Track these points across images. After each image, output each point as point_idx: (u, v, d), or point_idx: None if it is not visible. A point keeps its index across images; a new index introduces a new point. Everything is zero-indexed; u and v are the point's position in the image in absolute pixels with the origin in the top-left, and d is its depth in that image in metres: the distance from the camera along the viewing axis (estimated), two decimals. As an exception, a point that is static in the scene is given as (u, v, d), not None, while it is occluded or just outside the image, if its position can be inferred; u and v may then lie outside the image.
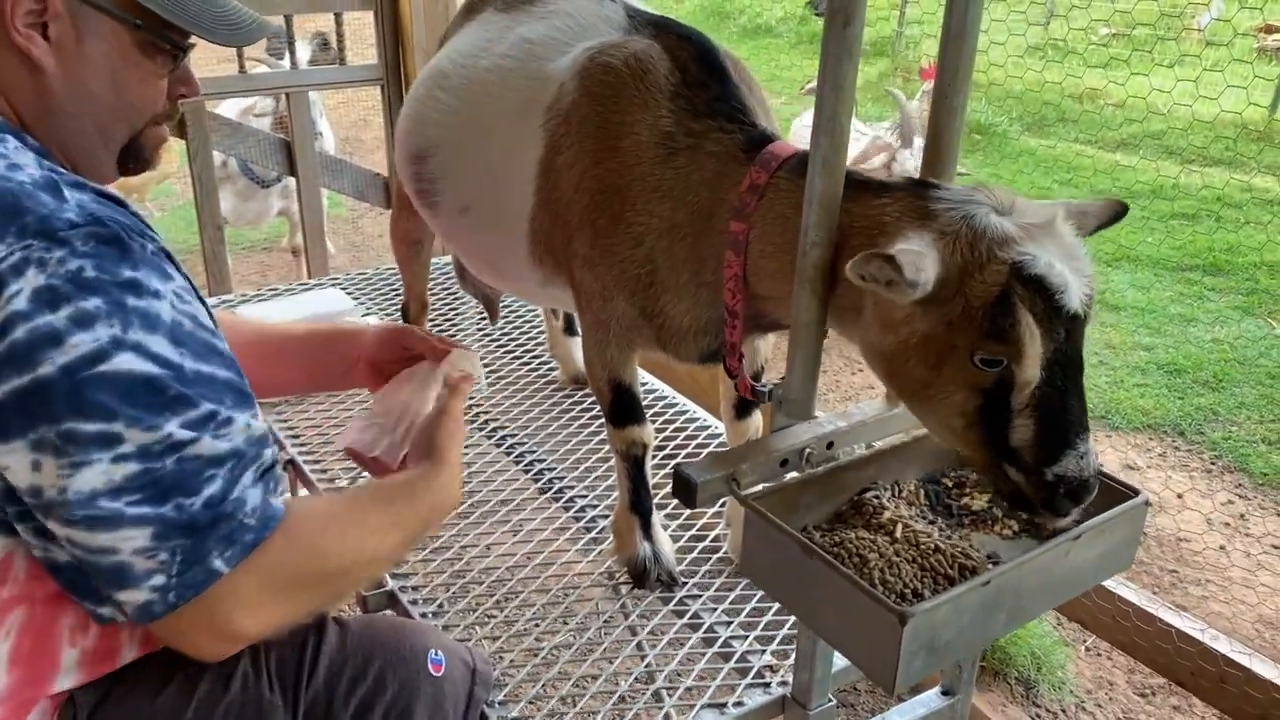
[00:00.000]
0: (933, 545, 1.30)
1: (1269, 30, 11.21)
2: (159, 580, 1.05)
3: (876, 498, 1.40)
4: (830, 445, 1.41)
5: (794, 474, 1.38)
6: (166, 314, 1.06)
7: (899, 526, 1.33)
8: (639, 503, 1.82)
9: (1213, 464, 3.93)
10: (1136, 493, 1.36)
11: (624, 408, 1.77)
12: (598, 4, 1.79)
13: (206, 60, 4.63)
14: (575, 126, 1.66)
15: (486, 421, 2.46)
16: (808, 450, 1.38)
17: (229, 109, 5.04)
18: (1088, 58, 8.97)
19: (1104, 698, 2.79)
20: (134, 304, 1.04)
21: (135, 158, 1.30)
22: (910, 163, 5.95)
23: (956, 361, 1.20)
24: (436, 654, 1.43)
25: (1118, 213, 1.38)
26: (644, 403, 2.52)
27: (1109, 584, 2.46)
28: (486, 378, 2.65)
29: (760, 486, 1.34)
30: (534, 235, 1.75)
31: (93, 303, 1.01)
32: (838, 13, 1.16)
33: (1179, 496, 3.72)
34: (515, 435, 2.39)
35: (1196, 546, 3.47)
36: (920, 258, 1.16)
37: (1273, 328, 4.94)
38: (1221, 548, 3.47)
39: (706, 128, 1.55)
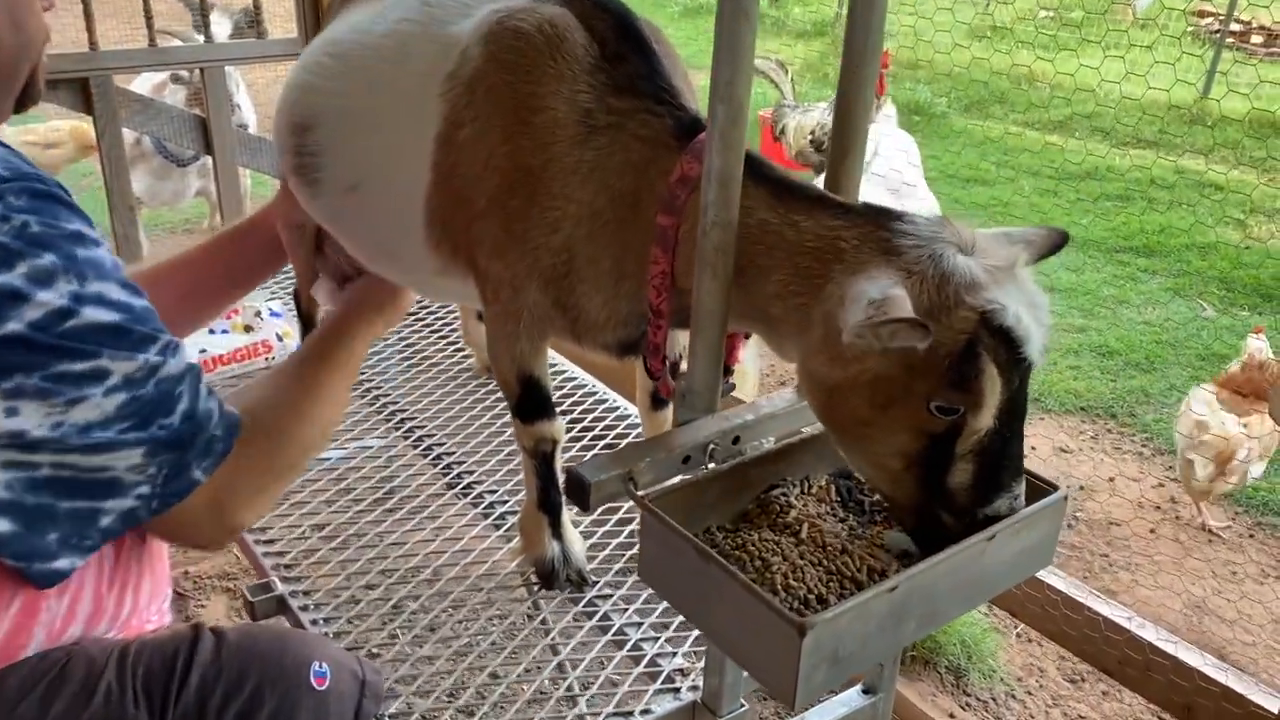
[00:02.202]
0: (840, 547, 1.23)
1: (1202, 15, 11.35)
2: (144, 490, 1.13)
3: (784, 495, 1.32)
4: (736, 440, 1.33)
5: (697, 471, 1.29)
6: (108, 260, 1.11)
7: (805, 526, 1.25)
8: (547, 500, 1.72)
9: (1144, 446, 3.93)
10: (1055, 487, 1.29)
11: (533, 402, 1.67)
12: None
13: (115, 33, 4.42)
14: (480, 97, 1.53)
15: (394, 412, 2.34)
16: (711, 445, 1.29)
17: (143, 84, 4.84)
18: (1025, 39, 9.01)
19: (1034, 685, 2.76)
20: (84, 255, 1.08)
21: (31, 94, 1.27)
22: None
23: (909, 405, 1.14)
24: (321, 666, 1.34)
25: (1058, 243, 1.32)
26: (560, 389, 2.45)
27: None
28: (396, 366, 2.53)
29: (661, 485, 1.25)
30: (430, 216, 1.63)
31: (47, 259, 1.04)
32: (731, -29, 1.07)
33: (1110, 480, 3.72)
34: (423, 426, 2.28)
35: (1127, 531, 3.46)
36: (905, 303, 1.08)
37: (1202, 309, 4.97)
38: (1152, 531, 3.46)
39: (631, 106, 1.44)
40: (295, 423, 1.35)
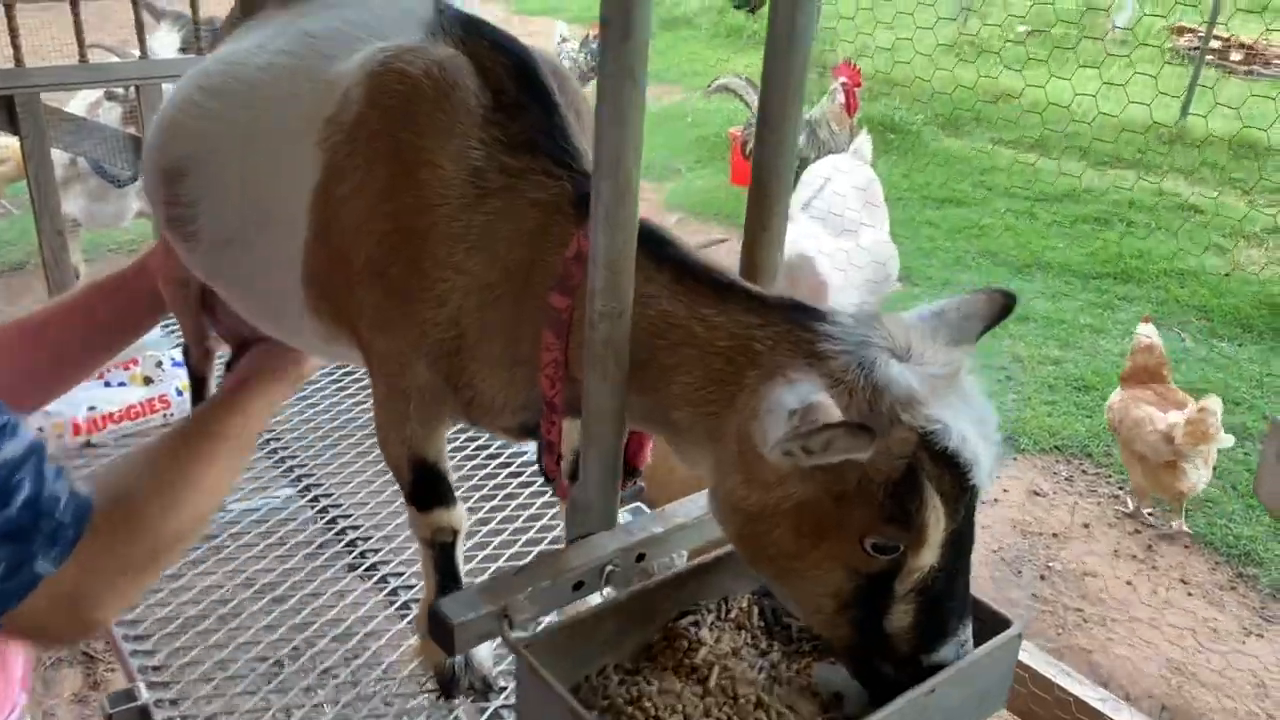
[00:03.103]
0: (755, 698, 1.04)
1: (1181, 32, 11.27)
2: None
3: (695, 626, 1.13)
4: (641, 557, 1.14)
5: (592, 599, 1.10)
6: None
7: (715, 671, 1.06)
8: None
9: (1120, 488, 3.75)
10: (1009, 623, 1.10)
11: (428, 488, 1.46)
12: None
13: (42, 49, 4.21)
14: (361, 148, 1.33)
15: (291, 468, 2.14)
16: (610, 567, 1.10)
17: (79, 104, 4.63)
18: (1003, 56, 8.87)
19: (1002, 759, 2.58)
20: None
21: None
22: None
23: (840, 540, 0.96)
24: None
25: (1004, 307, 1.13)
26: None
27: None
28: (299, 415, 2.33)
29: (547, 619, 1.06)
30: (309, 280, 1.43)
31: None
32: (613, 24, 0.88)
33: (1085, 526, 3.54)
34: (324, 487, 2.08)
35: (1102, 582, 3.28)
36: (833, 409, 0.91)
37: (1182, 340, 4.82)
38: (1129, 583, 3.29)
39: (526, 166, 1.24)
40: (162, 510, 1.19)
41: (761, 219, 1.12)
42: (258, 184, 1.48)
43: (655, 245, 1.09)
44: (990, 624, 1.10)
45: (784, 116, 1.08)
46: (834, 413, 0.89)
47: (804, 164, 6.01)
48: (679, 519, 1.17)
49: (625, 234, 0.97)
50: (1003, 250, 5.78)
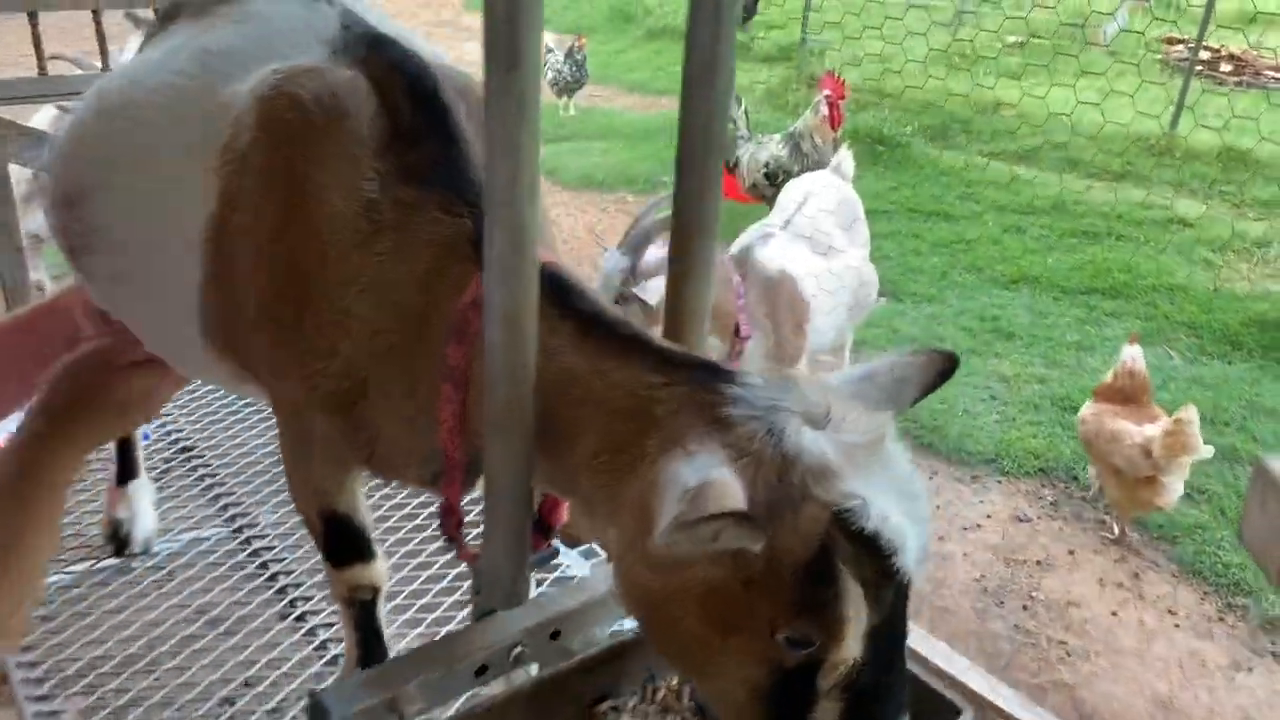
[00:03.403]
0: (676, 799, 0.93)
1: (1171, 42, 11.21)
2: None
3: (616, 710, 1.02)
4: (556, 635, 1.03)
5: (497, 684, 0.99)
6: None
7: (632, 768, 0.95)
8: (370, 660, 1.41)
9: (1107, 513, 3.65)
10: (957, 711, 0.99)
11: (343, 543, 1.36)
12: (305, 5, 1.37)
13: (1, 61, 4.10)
14: (252, 179, 1.23)
15: (218, 495, 2.02)
16: (518, 649, 0.99)
17: (44, 117, 4.52)
18: (995, 65, 8.80)
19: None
20: None
21: None
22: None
23: (752, 631, 0.86)
24: None
25: (944, 370, 1.02)
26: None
27: (978, 685, 2.14)
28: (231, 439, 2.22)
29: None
30: (208, 320, 1.32)
31: None
32: (497, 51, 0.77)
33: (1070, 553, 3.44)
34: (253, 522, 1.96)
35: (1087, 613, 3.17)
36: (731, 491, 0.81)
37: (1171, 358, 4.72)
38: (1114, 613, 3.18)
39: (421, 200, 1.14)
40: None
41: (685, 260, 1.02)
42: (152, 215, 1.37)
43: (561, 293, 0.99)
44: (938, 712, 0.99)
45: (705, 153, 0.98)
46: (729, 494, 0.79)
47: (788, 177, 5.93)
48: (599, 591, 1.06)
49: (523, 285, 0.87)
50: (989, 265, 5.68)
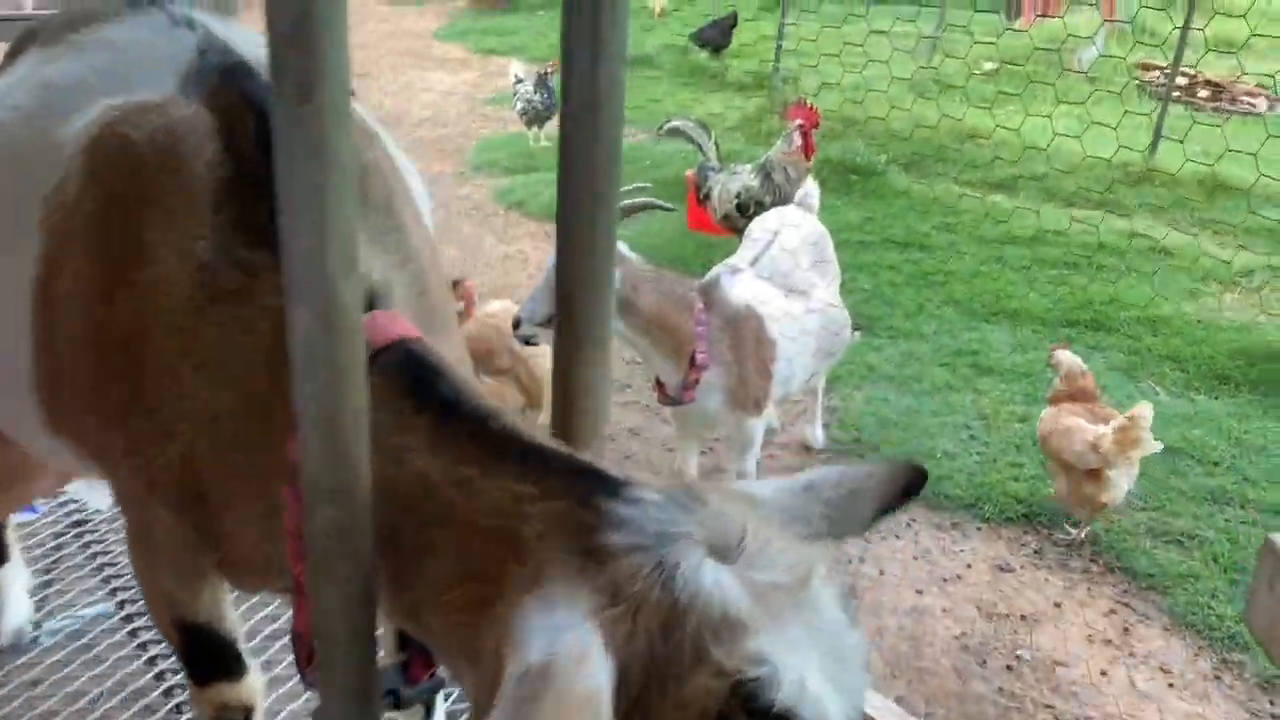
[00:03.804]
0: None
1: (1147, 68, 11.15)
2: None
3: None
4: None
5: None
6: None
7: None
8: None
9: (1093, 562, 3.46)
10: None
11: (205, 657, 1.15)
12: (162, 31, 1.18)
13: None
14: (79, 233, 1.04)
15: (104, 574, 1.81)
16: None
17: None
18: (969, 93, 8.69)
19: None
20: None
21: None
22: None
23: None
24: None
25: (911, 486, 0.83)
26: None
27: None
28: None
29: None
30: (41, 394, 1.12)
31: None
32: (284, 84, 0.58)
33: (1057, 606, 3.24)
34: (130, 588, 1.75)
35: (1074, 672, 2.98)
36: (579, 676, 0.60)
37: (1157, 394, 4.55)
38: (1104, 673, 2.98)
39: (265, 263, 0.95)
40: None
41: (573, 333, 0.82)
42: None
43: (418, 379, 0.79)
44: None
45: (593, 202, 0.79)
46: (577, 675, 0.59)
47: (760, 208, 5.76)
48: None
49: (340, 379, 0.66)
50: (967, 297, 5.51)
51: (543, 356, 4.02)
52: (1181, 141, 7.01)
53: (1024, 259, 6.13)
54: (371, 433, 0.73)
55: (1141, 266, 5.99)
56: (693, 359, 3.09)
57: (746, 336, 3.20)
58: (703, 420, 3.30)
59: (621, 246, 2.98)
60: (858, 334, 5.13)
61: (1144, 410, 3.33)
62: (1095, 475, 3.34)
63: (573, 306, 0.80)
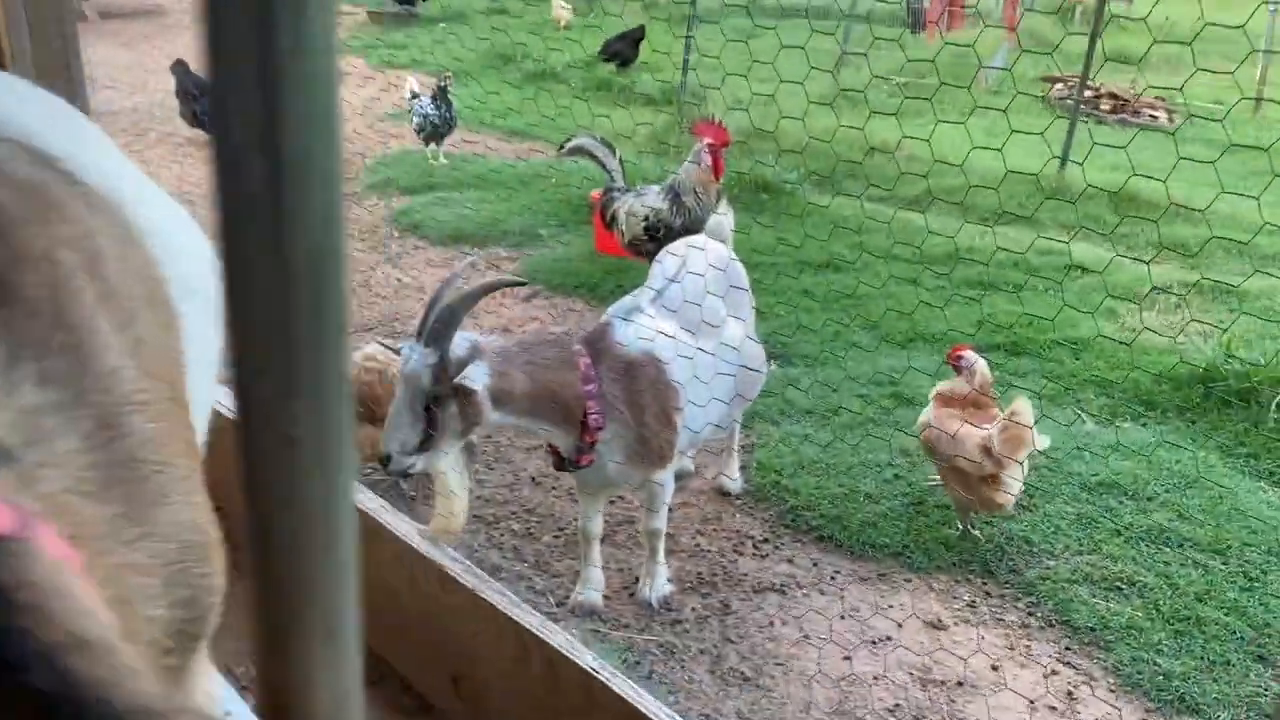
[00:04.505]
0: None
1: (1052, 80, 11.20)
2: None
3: None
4: None
5: None
6: None
7: None
8: None
9: (1031, 614, 3.22)
10: None
11: None
12: None
13: None
14: None
15: None
16: None
17: None
18: (880, 107, 8.55)
19: None
20: None
21: None
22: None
23: None
24: None
25: None
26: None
27: None
28: None
29: None
30: None
31: None
32: None
33: (994, 669, 2.98)
34: None
35: (1019, 747, 2.72)
36: None
37: (1084, 423, 4.36)
38: (1049, 746, 2.73)
39: None
40: None
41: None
42: None
43: None
44: None
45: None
46: None
47: (670, 232, 5.47)
48: None
49: None
50: (883, 321, 5.29)
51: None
52: (1081, 162, 6.94)
53: (939, 278, 5.95)
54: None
55: (1057, 284, 5.86)
56: (584, 421, 2.77)
57: (643, 385, 2.89)
58: (603, 481, 2.98)
59: (470, 335, 2.65)
60: (774, 365, 4.86)
61: (1022, 405, 3.32)
62: (993, 480, 3.32)
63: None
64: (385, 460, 2.58)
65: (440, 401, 2.52)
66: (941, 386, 3.66)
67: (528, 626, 2.31)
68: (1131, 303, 5.66)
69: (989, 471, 3.28)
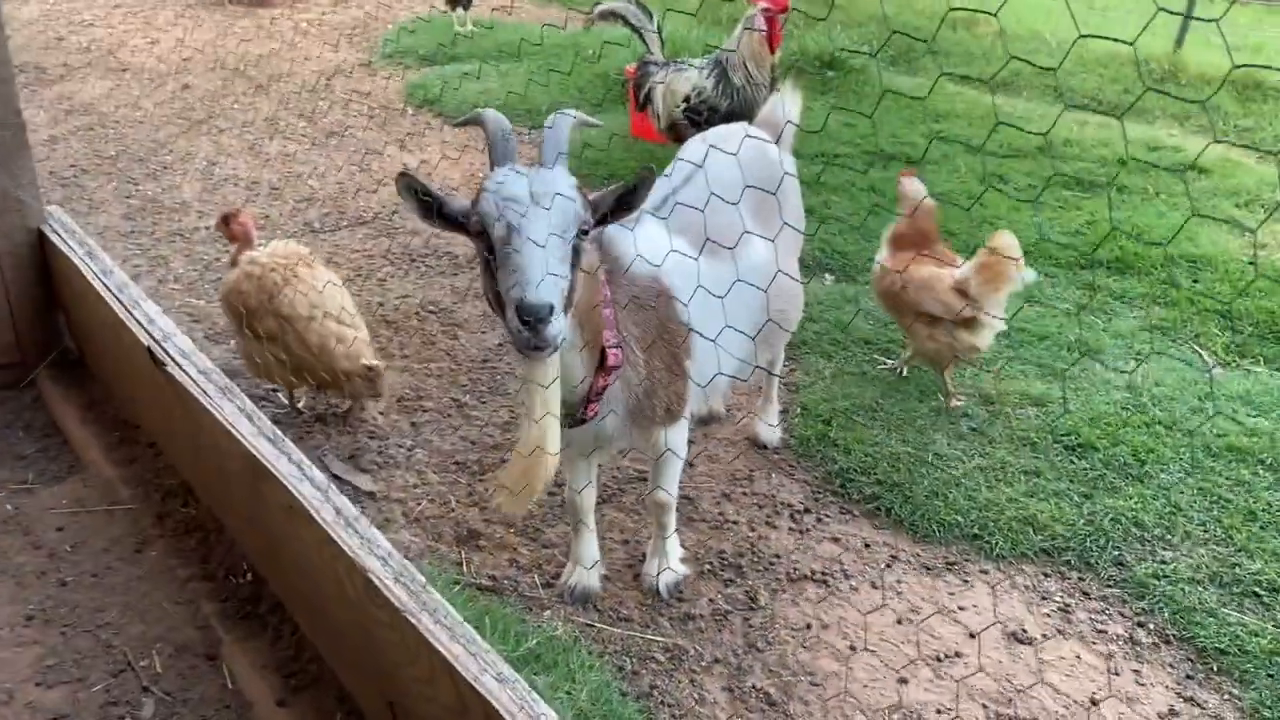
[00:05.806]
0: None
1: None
2: None
3: None
4: None
5: None
6: None
7: None
8: None
9: (1141, 626, 2.53)
10: None
11: None
12: None
13: None
14: None
15: None
16: None
17: None
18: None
19: None
20: None
21: None
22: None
23: None
24: None
25: None
26: None
27: None
28: None
29: None
30: None
31: None
32: None
33: (1094, 703, 2.32)
34: None
35: (1126, 823, 2.07)
36: None
37: (1204, 361, 3.59)
38: (1167, 821, 2.08)
39: None
40: None
41: None
42: None
43: None
44: None
45: None
46: None
47: (714, 114, 4.68)
48: None
49: None
50: (963, 228, 4.48)
51: (316, 322, 2.98)
52: (1215, 29, 5.93)
53: (1029, 176, 5.10)
54: None
55: (1170, 187, 4.98)
56: (602, 357, 2.08)
57: (651, 321, 2.19)
58: (598, 439, 2.31)
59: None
60: (830, 278, 4.11)
61: (1005, 238, 3.03)
62: (969, 322, 3.07)
63: None
64: (535, 321, 1.75)
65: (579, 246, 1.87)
66: (897, 226, 3.34)
67: (466, 677, 1.68)
68: (1262, 209, 4.77)
69: (966, 315, 3.05)
